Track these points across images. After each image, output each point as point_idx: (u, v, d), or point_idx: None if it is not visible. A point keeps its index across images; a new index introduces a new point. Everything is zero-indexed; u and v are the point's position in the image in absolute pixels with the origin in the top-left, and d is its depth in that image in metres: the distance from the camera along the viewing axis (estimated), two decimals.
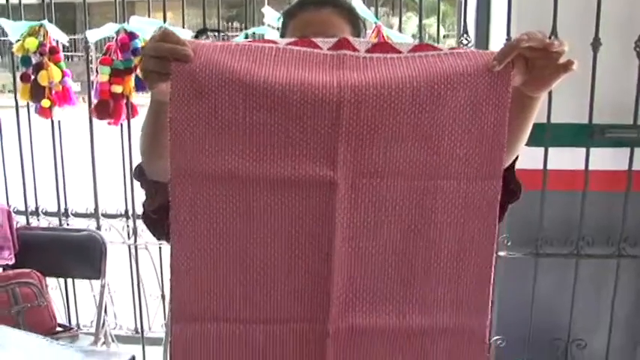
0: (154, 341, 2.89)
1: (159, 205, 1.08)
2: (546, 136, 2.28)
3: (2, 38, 3.13)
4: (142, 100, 2.28)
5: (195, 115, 0.88)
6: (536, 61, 0.90)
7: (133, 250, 2.79)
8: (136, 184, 2.64)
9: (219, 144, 0.89)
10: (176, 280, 0.91)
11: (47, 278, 2.50)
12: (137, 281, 2.76)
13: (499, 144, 0.89)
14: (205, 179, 0.89)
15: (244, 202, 0.90)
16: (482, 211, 0.90)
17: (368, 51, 0.93)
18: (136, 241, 2.72)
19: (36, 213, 2.90)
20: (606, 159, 2.38)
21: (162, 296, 2.92)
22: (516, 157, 1.06)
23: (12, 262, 2.51)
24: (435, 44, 0.96)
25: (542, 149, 2.34)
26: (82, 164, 2.88)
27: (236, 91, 0.88)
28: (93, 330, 2.62)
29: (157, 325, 2.98)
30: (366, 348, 0.93)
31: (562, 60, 0.89)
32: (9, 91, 2.80)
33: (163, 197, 1.02)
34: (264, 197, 0.90)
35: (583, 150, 2.34)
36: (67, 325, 2.65)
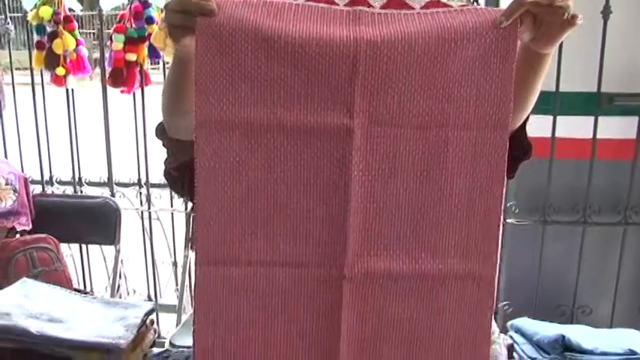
0: (167, 308, 2.94)
1: (180, 164, 1.12)
2: (555, 104, 2.30)
3: (16, 14, 3.15)
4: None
5: (220, 68, 0.92)
6: (543, 16, 0.93)
7: (146, 216, 2.82)
8: (151, 151, 2.70)
9: (242, 95, 0.93)
10: (200, 226, 0.95)
11: (61, 245, 2.55)
12: (150, 247, 2.80)
13: (506, 96, 0.93)
14: (229, 129, 0.93)
15: (265, 151, 0.94)
16: (491, 160, 0.94)
17: (382, 7, 0.96)
18: (149, 207, 2.76)
19: (50, 182, 2.95)
20: (614, 128, 2.41)
21: (175, 264, 2.97)
22: (527, 117, 1.08)
23: (29, 227, 2.56)
24: (446, 1, 1.00)
25: (550, 117, 2.36)
26: (96, 135, 2.91)
27: (258, 45, 0.92)
28: (107, 296, 2.68)
29: (169, 292, 3.03)
30: (381, 291, 0.97)
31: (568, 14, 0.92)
32: (24, 69, 2.82)
33: (184, 156, 1.07)
34: (285, 145, 0.94)
35: (591, 118, 2.36)
36: (83, 290, 2.70)
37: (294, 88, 0.93)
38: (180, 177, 1.12)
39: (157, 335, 1.36)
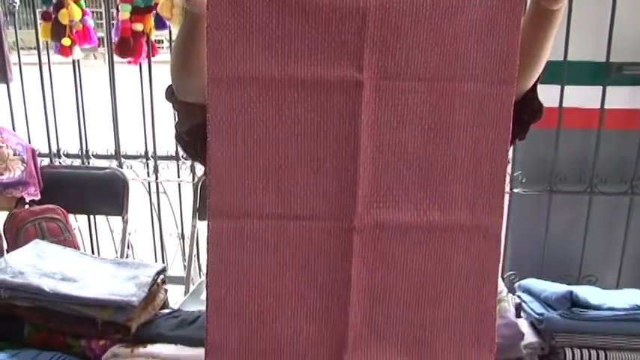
0: (175, 280, 2.96)
1: (190, 127, 1.12)
2: (563, 74, 2.29)
3: None
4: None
5: (232, 22, 0.93)
6: None
7: (153, 188, 2.83)
8: (158, 122, 2.71)
9: (254, 49, 0.93)
10: (213, 180, 0.97)
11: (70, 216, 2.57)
12: (158, 218, 2.82)
13: (513, 51, 0.94)
14: (240, 83, 0.94)
15: (276, 105, 0.95)
16: (497, 114, 0.95)
17: None
18: (157, 178, 2.77)
19: (58, 155, 2.96)
20: (622, 97, 2.40)
21: (182, 235, 2.99)
22: (538, 78, 1.08)
23: (37, 198, 2.58)
24: None
25: (558, 87, 2.35)
26: (102, 110, 2.92)
27: None
28: None
29: (176, 264, 3.06)
30: (389, 242, 0.99)
31: None
32: (29, 48, 2.82)
33: (194, 119, 1.08)
34: (295, 99, 0.95)
35: (599, 88, 2.35)
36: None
37: (305, 42, 0.93)
38: (192, 140, 1.13)
39: (167, 295, 1.37)
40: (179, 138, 1.21)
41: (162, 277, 1.33)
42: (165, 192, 3.17)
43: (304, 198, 0.97)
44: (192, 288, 2.53)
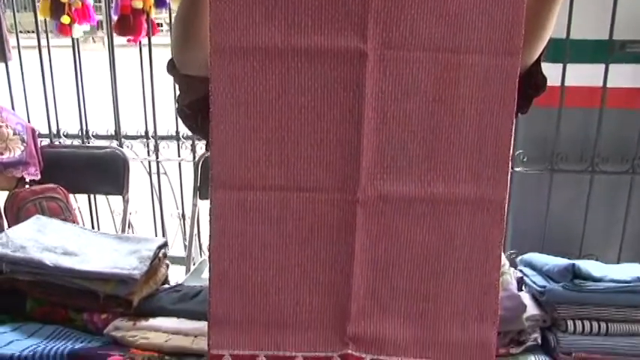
0: (175, 260, 2.96)
1: (191, 101, 1.11)
2: (565, 52, 2.28)
3: None
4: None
5: None
6: None
7: (154, 168, 2.83)
8: (158, 102, 2.70)
9: (257, 19, 0.92)
10: (215, 151, 0.96)
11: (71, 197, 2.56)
12: (159, 198, 2.82)
13: (518, 23, 0.92)
14: (243, 54, 0.93)
15: (279, 76, 0.93)
16: (502, 86, 0.93)
17: None
18: (157, 157, 2.77)
19: (58, 135, 2.95)
20: (625, 75, 2.38)
21: (183, 215, 2.99)
22: (542, 51, 1.06)
23: (38, 177, 2.57)
24: None
25: (560, 66, 2.34)
26: (102, 92, 2.91)
27: None
28: None
29: (177, 244, 3.06)
30: (393, 214, 0.98)
31: None
32: (26, 31, 2.81)
33: (195, 93, 1.06)
34: (299, 70, 0.93)
35: (602, 66, 2.34)
36: None
37: (308, 12, 0.92)
38: (193, 114, 1.12)
39: (168, 270, 1.37)
40: (180, 111, 1.19)
41: (163, 251, 1.33)
42: (165, 173, 3.17)
43: (307, 170, 0.96)
44: (193, 267, 2.54)
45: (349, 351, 0.98)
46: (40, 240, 1.30)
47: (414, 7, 0.92)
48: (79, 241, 1.34)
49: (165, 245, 1.33)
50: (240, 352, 0.98)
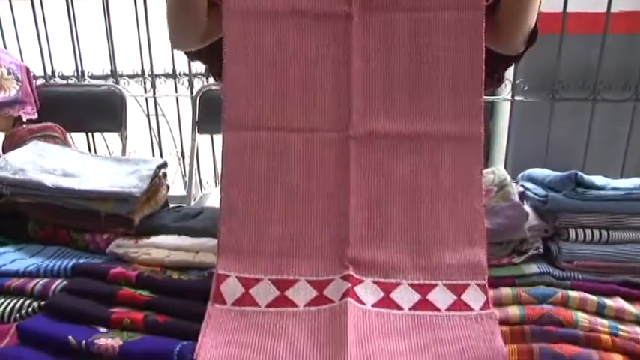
0: (175, 199, 2.96)
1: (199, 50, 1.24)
2: None
3: None
4: None
5: None
6: None
7: (151, 105, 2.82)
8: (154, 39, 2.66)
9: None
10: (228, 96, 1.08)
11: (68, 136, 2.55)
12: (158, 135, 2.81)
13: None
14: (249, 15, 1.07)
15: (280, 32, 1.07)
16: (469, 36, 1.06)
17: None
18: (154, 93, 2.75)
19: (53, 76, 2.92)
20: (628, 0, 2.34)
21: (182, 154, 2.99)
22: (539, 16, 1.12)
23: (35, 117, 2.56)
24: None
25: None
26: (97, 33, 2.86)
27: None
28: None
29: (176, 183, 3.06)
30: (383, 151, 1.08)
31: None
32: None
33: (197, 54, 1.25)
34: (296, 27, 1.07)
35: None
36: None
37: None
38: (199, 58, 1.29)
39: (168, 191, 1.36)
40: (187, 54, 1.30)
41: (163, 171, 1.32)
42: (163, 114, 3.16)
43: (305, 114, 1.08)
44: (193, 203, 2.55)
45: (350, 273, 1.02)
46: (39, 163, 1.29)
47: None
48: (78, 163, 1.33)
49: (165, 165, 1.32)
50: (245, 275, 1.03)
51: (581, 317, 0.96)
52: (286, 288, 1.02)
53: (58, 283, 1.05)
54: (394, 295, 1.02)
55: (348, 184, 1.06)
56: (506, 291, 1.02)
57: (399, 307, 0.99)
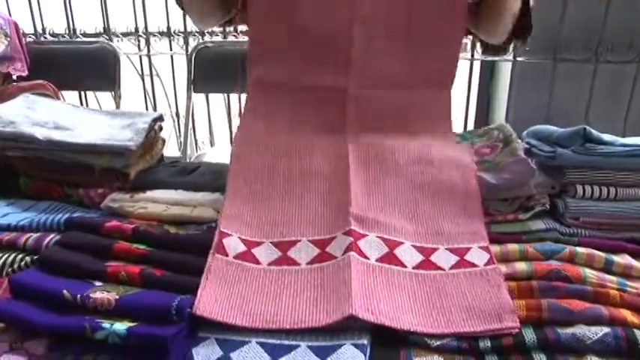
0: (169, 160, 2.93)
1: None
2: None
3: None
4: None
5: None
6: None
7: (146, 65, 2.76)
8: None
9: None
10: (252, 55, 1.22)
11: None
12: (152, 93, 2.75)
13: None
14: None
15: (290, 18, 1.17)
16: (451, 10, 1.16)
17: None
18: (149, 51, 2.68)
19: (43, 34, 2.85)
20: None
21: (177, 114, 2.94)
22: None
23: (25, 74, 2.49)
24: None
25: None
26: None
27: None
28: None
29: (171, 145, 3.02)
30: (375, 100, 1.22)
31: None
32: None
33: None
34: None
35: None
36: None
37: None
38: None
39: (164, 146, 1.32)
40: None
41: (159, 124, 1.28)
42: (158, 75, 3.09)
43: (309, 66, 1.20)
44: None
45: (353, 227, 1.00)
46: (29, 115, 1.25)
47: None
48: (70, 116, 1.28)
49: (161, 119, 1.28)
50: (248, 238, 1.02)
51: (589, 273, 0.93)
52: (288, 248, 0.99)
53: (52, 237, 1.01)
54: (398, 252, 0.99)
55: (345, 122, 1.19)
56: (512, 247, 0.99)
57: (403, 265, 0.97)
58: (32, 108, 1.29)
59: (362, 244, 0.98)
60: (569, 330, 0.82)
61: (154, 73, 3.01)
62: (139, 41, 2.74)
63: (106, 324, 0.78)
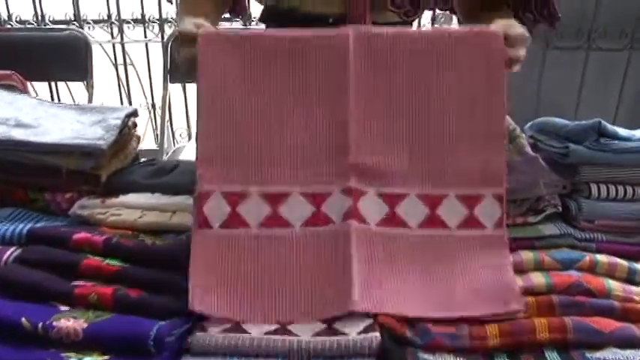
0: (146, 154, 2.81)
1: None
2: None
3: None
4: None
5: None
6: None
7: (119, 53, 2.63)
8: None
9: None
10: None
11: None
12: (126, 84, 2.63)
13: None
14: None
15: None
16: None
17: None
18: (122, 39, 2.55)
19: (9, 20, 2.71)
20: None
21: (153, 105, 2.82)
22: None
23: None
24: None
25: None
26: None
27: None
28: None
29: (148, 137, 2.90)
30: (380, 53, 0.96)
31: None
32: None
33: None
34: None
35: None
36: None
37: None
38: None
39: (139, 143, 1.21)
40: None
41: (133, 120, 1.17)
42: (132, 63, 2.98)
43: None
44: (166, 158, 2.40)
45: (351, 184, 0.91)
46: None
47: None
48: (34, 112, 1.16)
49: (134, 114, 1.17)
50: (230, 190, 0.92)
51: (613, 285, 0.85)
52: (278, 203, 0.91)
53: (11, 252, 0.90)
54: (400, 209, 0.93)
55: (347, 90, 0.93)
56: (526, 255, 0.90)
57: (406, 225, 0.92)
58: None
59: (362, 206, 0.91)
60: (600, 354, 0.74)
61: (127, 62, 2.89)
62: (111, 29, 2.62)
63: (72, 359, 0.67)
